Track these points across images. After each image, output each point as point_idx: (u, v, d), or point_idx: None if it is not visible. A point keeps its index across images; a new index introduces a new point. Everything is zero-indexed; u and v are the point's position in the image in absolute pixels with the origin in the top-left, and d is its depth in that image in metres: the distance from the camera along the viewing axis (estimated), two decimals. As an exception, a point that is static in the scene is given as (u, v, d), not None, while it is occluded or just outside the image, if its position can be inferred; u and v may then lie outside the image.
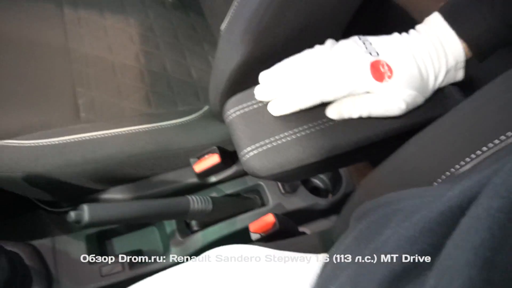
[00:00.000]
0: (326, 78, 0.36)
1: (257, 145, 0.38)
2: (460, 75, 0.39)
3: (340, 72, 0.36)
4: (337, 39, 0.40)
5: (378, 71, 0.36)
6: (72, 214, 0.43)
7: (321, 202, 0.62)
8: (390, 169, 0.39)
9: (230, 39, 0.43)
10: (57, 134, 0.52)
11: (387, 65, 0.36)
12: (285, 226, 0.53)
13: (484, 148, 0.32)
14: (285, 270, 0.39)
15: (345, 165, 0.55)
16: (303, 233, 0.63)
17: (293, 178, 0.51)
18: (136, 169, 0.57)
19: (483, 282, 0.14)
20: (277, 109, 0.39)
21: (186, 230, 0.61)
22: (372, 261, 0.24)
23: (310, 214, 0.63)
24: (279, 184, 0.62)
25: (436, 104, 0.42)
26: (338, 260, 0.31)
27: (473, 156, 0.32)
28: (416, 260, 0.22)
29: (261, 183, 0.63)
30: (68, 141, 0.52)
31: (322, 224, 0.63)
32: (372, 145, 0.40)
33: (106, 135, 0.54)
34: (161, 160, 0.58)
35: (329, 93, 0.37)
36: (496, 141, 0.31)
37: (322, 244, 0.52)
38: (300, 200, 0.62)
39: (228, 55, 0.44)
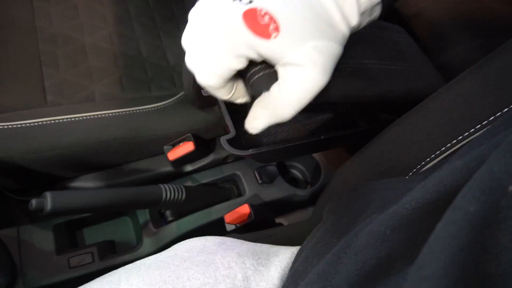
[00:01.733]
0: (197, 54, 0.27)
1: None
2: (377, 11, 0.30)
3: (206, 39, 0.26)
4: None
5: (257, 24, 0.25)
6: (34, 202, 0.40)
7: (299, 193, 0.61)
8: (364, 158, 0.37)
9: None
10: (21, 117, 0.49)
11: (268, 14, 0.25)
12: (261, 217, 0.52)
13: (460, 138, 0.31)
14: (257, 264, 0.37)
15: (331, 146, 0.50)
16: (280, 224, 0.62)
17: (283, 155, 0.47)
18: (107, 156, 0.54)
19: None
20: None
21: (160, 221, 0.59)
22: (341, 257, 0.23)
23: (288, 205, 0.62)
24: (256, 174, 0.61)
25: (419, 75, 0.41)
26: (308, 255, 0.30)
27: (445, 148, 0.31)
28: (387, 259, 0.21)
29: (238, 172, 0.61)
30: (32, 124, 0.49)
31: (300, 216, 0.62)
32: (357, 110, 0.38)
33: (74, 119, 0.51)
34: (133, 147, 0.55)
35: (206, 75, 0.28)
36: (471, 131, 0.30)
37: (297, 236, 0.51)
38: (278, 190, 0.60)
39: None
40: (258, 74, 0.29)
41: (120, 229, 0.61)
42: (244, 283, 0.33)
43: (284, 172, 0.70)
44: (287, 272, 0.35)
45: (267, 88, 0.29)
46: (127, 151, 0.55)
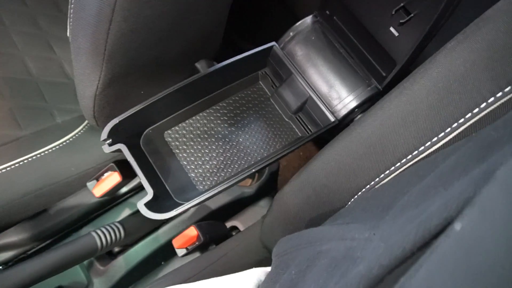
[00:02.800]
0: None
1: None
2: None
3: None
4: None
5: None
6: None
7: (247, 190, 0.59)
8: (303, 183, 0.35)
9: (80, 61, 0.33)
10: None
11: None
12: (211, 235, 0.49)
13: (397, 164, 0.29)
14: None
15: None
16: (233, 227, 0.60)
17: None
18: (22, 212, 0.47)
19: None
20: None
21: (106, 257, 0.54)
22: None
23: (237, 206, 0.59)
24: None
25: None
26: None
27: (385, 173, 0.29)
28: None
29: (178, 186, 0.57)
30: None
31: (251, 213, 0.60)
32: None
33: (-36, 186, 0.42)
34: (50, 194, 0.48)
35: None
36: (409, 157, 0.28)
37: (252, 246, 0.50)
38: (224, 194, 0.57)
39: (86, 79, 0.34)
40: None
41: (66, 273, 0.56)
42: None
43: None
44: None
45: None
46: (45, 200, 0.48)
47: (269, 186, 0.61)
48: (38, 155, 0.47)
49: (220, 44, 0.46)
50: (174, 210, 0.36)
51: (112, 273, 0.53)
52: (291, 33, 0.47)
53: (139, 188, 0.57)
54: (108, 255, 0.55)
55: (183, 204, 0.37)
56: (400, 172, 0.29)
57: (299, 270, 0.28)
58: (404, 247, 0.18)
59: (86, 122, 0.51)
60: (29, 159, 0.46)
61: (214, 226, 0.51)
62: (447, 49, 0.27)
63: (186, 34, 0.37)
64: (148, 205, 0.36)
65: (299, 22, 0.47)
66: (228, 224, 0.59)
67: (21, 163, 0.46)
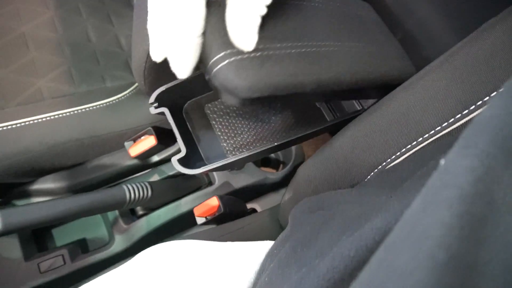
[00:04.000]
0: None
1: (234, 50, 0.27)
2: None
3: None
4: None
5: None
6: (-17, 223, 0.38)
7: (271, 176, 0.60)
8: (326, 156, 0.36)
9: (141, 14, 0.37)
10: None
11: None
12: (230, 208, 0.51)
13: (419, 139, 0.30)
14: (225, 267, 0.37)
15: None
16: (253, 210, 0.61)
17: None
18: (63, 159, 0.51)
19: None
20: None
21: (130, 216, 0.58)
22: (305, 279, 0.23)
23: (260, 190, 0.61)
24: (225, 161, 0.59)
25: (387, 57, 0.38)
26: (275, 269, 0.29)
27: (405, 149, 0.30)
28: (350, 280, 0.20)
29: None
30: (-27, 135, 0.45)
31: (272, 199, 0.61)
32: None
33: (19, 125, 0.47)
34: (90, 147, 0.52)
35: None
36: (431, 132, 0.29)
37: (268, 224, 0.51)
38: (249, 176, 0.59)
39: (144, 32, 0.37)
40: (222, 63, 0.27)
41: (90, 227, 0.60)
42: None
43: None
44: (254, 278, 0.35)
45: (231, 79, 0.26)
46: (85, 151, 0.52)
47: (292, 178, 0.62)
48: (85, 109, 0.51)
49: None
50: (202, 168, 0.39)
51: (133, 232, 0.55)
52: None
53: (170, 159, 0.60)
54: (132, 215, 0.58)
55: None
56: (421, 147, 0.30)
57: (313, 228, 0.29)
58: None
59: (131, 88, 0.56)
60: (77, 111, 0.50)
61: (235, 202, 0.53)
62: (476, 33, 0.28)
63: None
64: (181, 161, 0.38)
65: None
66: (248, 206, 0.61)
67: (69, 113, 0.50)
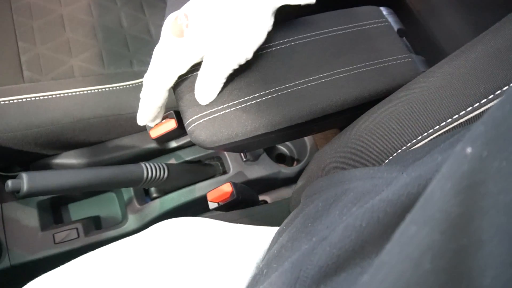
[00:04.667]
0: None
1: (203, 114, 0.35)
2: None
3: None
4: None
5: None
6: (9, 183, 0.40)
7: (284, 171, 0.61)
8: (342, 143, 0.37)
9: (174, 3, 0.39)
10: (-4, 94, 0.48)
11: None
12: (243, 196, 0.52)
13: (436, 127, 0.30)
14: (234, 245, 0.38)
15: (302, 135, 0.53)
16: (264, 202, 0.62)
17: (246, 148, 0.49)
18: (87, 134, 0.53)
19: (419, 277, 0.13)
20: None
21: (144, 197, 0.59)
22: (317, 249, 0.23)
23: (272, 183, 0.62)
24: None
25: (395, 75, 0.39)
26: (285, 241, 0.30)
27: (422, 136, 0.31)
28: (361, 251, 0.21)
29: (223, 150, 0.61)
30: (8, 102, 0.48)
31: (284, 193, 0.62)
32: (327, 116, 0.38)
33: (51, 97, 0.49)
34: (114, 124, 0.54)
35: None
36: (448, 120, 0.29)
37: (278, 215, 0.52)
38: (262, 168, 0.60)
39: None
40: (193, 124, 0.35)
41: (105, 205, 0.61)
42: (220, 267, 0.34)
43: (270, 148, 0.70)
44: (263, 254, 0.36)
45: (198, 136, 0.35)
46: (108, 129, 0.54)
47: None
48: (112, 88, 0.53)
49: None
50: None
51: (146, 212, 0.57)
52: None
53: (187, 146, 0.62)
54: (145, 196, 0.59)
55: None
56: (437, 136, 0.30)
57: (324, 204, 0.30)
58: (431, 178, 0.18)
59: (157, 74, 0.58)
60: (104, 89, 0.53)
61: (248, 191, 0.54)
62: (497, 25, 0.29)
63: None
64: None
65: None
66: (260, 198, 0.62)
67: (97, 90, 0.52)
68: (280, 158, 0.70)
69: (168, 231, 0.38)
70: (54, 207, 0.59)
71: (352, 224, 0.21)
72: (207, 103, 0.36)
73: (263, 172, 0.60)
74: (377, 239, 0.20)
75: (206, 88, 0.35)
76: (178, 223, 0.40)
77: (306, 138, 0.65)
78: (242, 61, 0.34)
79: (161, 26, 0.64)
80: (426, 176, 0.19)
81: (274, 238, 0.34)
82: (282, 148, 0.70)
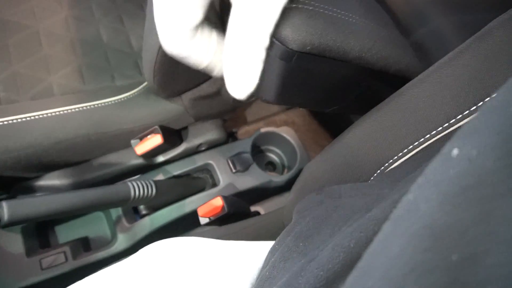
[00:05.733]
0: None
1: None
2: None
3: None
4: None
5: None
6: (-11, 213, 0.38)
7: (275, 180, 0.60)
8: (333, 154, 0.36)
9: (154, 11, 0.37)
10: (-29, 119, 0.46)
11: None
12: (235, 209, 0.51)
13: (427, 136, 0.30)
14: (228, 265, 0.37)
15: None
16: (257, 213, 0.61)
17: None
18: (70, 154, 0.52)
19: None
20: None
21: (133, 215, 0.58)
22: (305, 270, 0.22)
23: (264, 192, 0.61)
24: (230, 163, 0.59)
25: (403, 46, 0.37)
26: (276, 263, 0.29)
27: (413, 146, 0.30)
28: (348, 270, 0.20)
29: (211, 162, 0.59)
30: (-16, 127, 0.45)
31: (276, 202, 0.61)
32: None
33: (30, 118, 0.47)
34: (97, 143, 0.52)
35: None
36: (439, 129, 0.29)
37: (272, 226, 0.51)
38: (253, 178, 0.59)
39: (155, 28, 0.38)
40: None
41: (93, 225, 0.60)
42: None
43: (260, 157, 0.69)
44: (257, 272, 0.35)
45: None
46: (92, 148, 0.53)
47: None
48: (94, 105, 0.51)
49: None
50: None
51: (136, 231, 0.55)
52: None
53: (175, 160, 0.60)
54: (135, 214, 0.58)
55: None
56: (428, 145, 0.30)
57: (315, 222, 0.29)
58: None
59: (140, 87, 0.56)
60: (86, 107, 0.51)
61: (239, 203, 0.53)
62: (485, 30, 0.28)
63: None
64: None
65: None
66: (252, 209, 0.61)
67: (78, 109, 0.50)
68: (271, 166, 0.69)
69: (158, 254, 0.37)
70: (40, 230, 0.57)
71: (340, 244, 0.21)
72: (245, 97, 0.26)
73: (253, 183, 0.59)
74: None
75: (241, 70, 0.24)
76: (168, 244, 0.38)
77: (295, 145, 0.64)
78: None
79: (142, 37, 0.63)
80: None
81: (267, 257, 0.33)
82: (271, 156, 0.69)
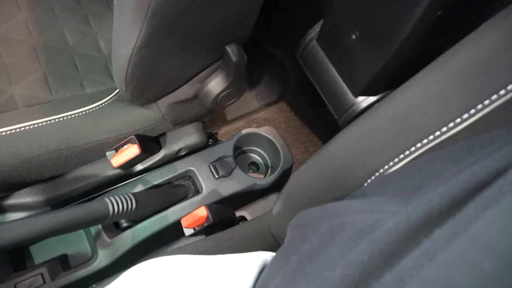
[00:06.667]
0: None
1: None
2: None
3: None
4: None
5: None
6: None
7: (260, 182, 0.59)
8: (321, 162, 0.35)
9: (122, 18, 0.34)
10: None
11: None
12: (220, 217, 0.49)
13: (418, 145, 0.29)
14: (216, 282, 0.35)
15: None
16: (242, 218, 0.60)
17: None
18: (40, 171, 0.48)
19: None
20: None
21: (114, 229, 0.55)
22: None
23: (248, 196, 0.59)
24: (212, 168, 0.57)
25: None
26: (281, 285, 0.28)
27: (404, 154, 0.29)
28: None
29: (192, 168, 0.57)
30: None
31: (261, 205, 0.60)
32: None
33: (-8, 136, 0.44)
34: (70, 158, 0.49)
35: None
36: (431, 137, 0.28)
37: (259, 234, 0.49)
38: (236, 183, 0.57)
39: (125, 36, 0.35)
40: None
41: (71, 242, 0.57)
42: None
43: (243, 158, 0.67)
44: None
45: None
46: (63, 163, 0.49)
47: (281, 183, 0.61)
48: (63, 118, 0.48)
49: (251, 30, 0.48)
50: None
51: (118, 246, 0.53)
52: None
53: (154, 167, 0.58)
54: (116, 228, 0.55)
55: None
56: (421, 153, 0.29)
57: (321, 240, 0.28)
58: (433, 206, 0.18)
59: (112, 95, 0.53)
60: (54, 120, 0.47)
61: (224, 211, 0.51)
62: (476, 33, 0.27)
63: (223, 9, 0.38)
64: None
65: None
66: (237, 214, 0.59)
67: (45, 123, 0.47)
68: (254, 167, 0.68)
69: (143, 276, 0.35)
70: (13, 252, 0.53)
71: (353, 260, 0.20)
72: None
73: (237, 187, 0.57)
74: (380, 271, 0.19)
75: None
76: (153, 265, 0.36)
77: (278, 145, 0.63)
78: None
79: (110, 39, 0.59)
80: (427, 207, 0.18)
81: (262, 279, 0.32)
82: (254, 156, 0.68)
